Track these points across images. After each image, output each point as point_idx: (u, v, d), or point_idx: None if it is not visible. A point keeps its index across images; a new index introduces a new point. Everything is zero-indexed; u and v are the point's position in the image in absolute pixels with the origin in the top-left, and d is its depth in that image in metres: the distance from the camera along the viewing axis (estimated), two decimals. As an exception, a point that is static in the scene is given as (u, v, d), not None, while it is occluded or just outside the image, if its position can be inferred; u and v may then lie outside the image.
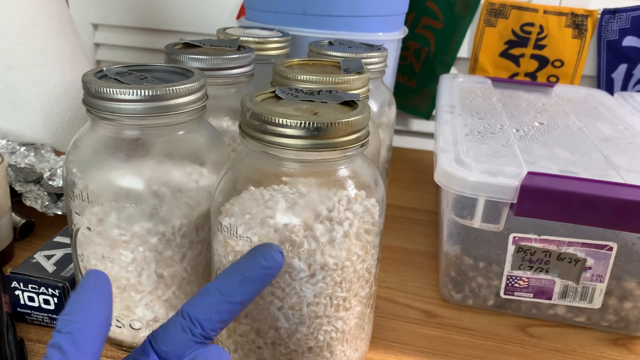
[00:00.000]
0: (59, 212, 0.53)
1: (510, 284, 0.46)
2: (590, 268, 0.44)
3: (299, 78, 0.41)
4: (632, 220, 0.39)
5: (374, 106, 0.54)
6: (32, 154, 0.55)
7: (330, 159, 0.32)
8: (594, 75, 0.80)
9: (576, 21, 0.77)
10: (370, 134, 0.34)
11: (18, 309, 0.42)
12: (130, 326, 0.39)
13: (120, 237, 0.36)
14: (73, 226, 0.38)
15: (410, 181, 0.75)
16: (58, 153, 0.58)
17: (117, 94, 0.33)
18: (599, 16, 0.76)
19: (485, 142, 0.49)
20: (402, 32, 0.69)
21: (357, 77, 0.42)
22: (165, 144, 0.36)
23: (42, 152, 0.56)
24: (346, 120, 0.31)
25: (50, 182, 0.52)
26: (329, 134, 0.30)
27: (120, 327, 0.39)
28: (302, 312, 0.33)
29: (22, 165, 0.53)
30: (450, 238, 0.47)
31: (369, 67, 0.48)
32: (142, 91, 0.33)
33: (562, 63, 0.79)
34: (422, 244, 0.59)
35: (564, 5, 0.78)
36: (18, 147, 0.56)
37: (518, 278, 0.45)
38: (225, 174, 0.35)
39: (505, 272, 0.45)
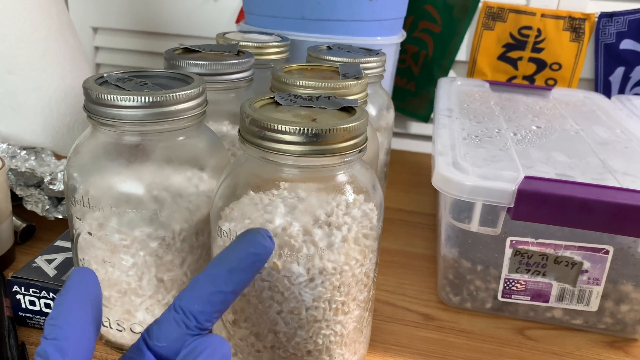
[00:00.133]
0: (60, 216, 0.53)
1: (507, 287, 0.46)
2: (586, 271, 0.44)
3: (298, 83, 0.41)
4: (628, 224, 0.39)
5: (372, 110, 0.54)
6: (33, 158, 0.56)
7: (328, 165, 0.32)
8: (591, 78, 0.80)
9: (574, 24, 0.78)
10: (369, 139, 0.35)
11: (19, 313, 0.42)
12: (131, 330, 0.39)
13: (120, 242, 0.36)
14: (74, 231, 0.38)
15: (409, 184, 0.75)
16: (58, 157, 0.58)
17: (117, 100, 0.33)
18: (596, 19, 0.77)
19: (483, 146, 0.49)
20: (400, 36, 0.69)
21: (356, 82, 0.43)
22: (166, 149, 0.37)
23: (43, 156, 0.57)
24: (344, 126, 0.31)
25: (51, 186, 0.53)
26: (328, 140, 0.31)
27: (121, 331, 0.39)
28: (301, 316, 0.33)
29: (23, 170, 0.53)
30: (448, 241, 0.48)
31: (367, 71, 0.49)
32: (143, 98, 0.33)
33: (560, 66, 0.80)
34: (421, 247, 0.59)
35: (561, 8, 0.78)
36: (19, 151, 0.56)
37: (515, 281, 0.46)
38: (225, 179, 0.35)
39: (503, 275, 0.46)
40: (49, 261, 0.44)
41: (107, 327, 0.39)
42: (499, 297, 0.47)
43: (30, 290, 0.41)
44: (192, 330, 0.26)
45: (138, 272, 0.37)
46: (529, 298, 0.46)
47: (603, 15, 0.76)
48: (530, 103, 0.65)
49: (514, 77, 0.82)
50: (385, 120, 0.57)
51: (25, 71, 0.56)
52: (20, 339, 0.41)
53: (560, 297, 0.46)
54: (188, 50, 0.48)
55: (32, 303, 0.42)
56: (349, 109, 0.34)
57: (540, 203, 0.40)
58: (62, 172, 0.54)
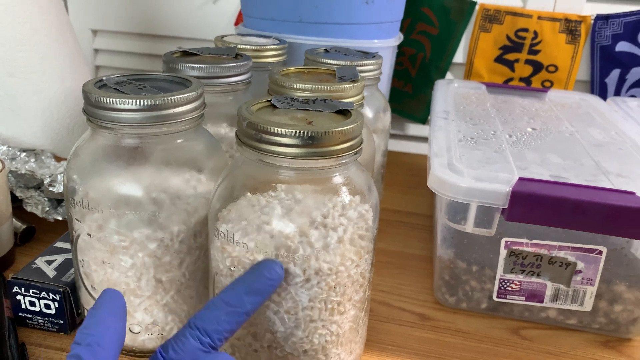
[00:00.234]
0: (59, 218, 0.54)
1: (502, 288, 0.47)
2: (580, 272, 0.45)
3: (295, 87, 0.42)
4: (621, 225, 0.40)
5: (368, 112, 0.55)
6: (33, 160, 0.56)
7: (324, 167, 0.32)
8: (587, 80, 0.81)
9: (570, 27, 0.78)
10: (365, 140, 0.35)
11: (19, 314, 0.43)
12: (130, 330, 0.39)
13: (119, 243, 0.37)
14: (74, 232, 0.38)
15: (405, 185, 0.76)
16: (58, 159, 0.59)
17: (116, 103, 0.34)
18: (592, 22, 0.77)
19: (479, 147, 0.50)
20: (397, 38, 0.69)
21: (352, 85, 0.43)
22: (164, 151, 0.37)
23: (43, 158, 0.57)
24: (340, 129, 0.31)
25: (51, 188, 0.53)
26: (323, 143, 0.31)
27: (120, 331, 0.40)
28: (297, 316, 0.34)
29: (23, 172, 0.54)
30: (444, 242, 0.48)
31: (363, 74, 0.49)
32: (141, 101, 0.34)
33: (556, 68, 0.80)
34: (418, 248, 0.60)
35: (557, 11, 0.79)
36: (19, 153, 0.56)
37: (510, 281, 0.46)
38: (222, 181, 0.36)
39: (498, 276, 0.46)
40: (49, 262, 0.44)
41: (106, 327, 0.40)
42: (494, 298, 0.47)
43: (30, 291, 0.42)
44: (204, 347, 0.30)
45: (137, 273, 0.37)
46: (523, 298, 0.47)
47: (599, 18, 0.77)
48: (526, 105, 0.66)
49: (511, 79, 0.83)
50: (381, 122, 0.57)
51: (25, 74, 0.57)
52: (20, 340, 0.42)
53: (555, 297, 0.46)
54: (187, 54, 0.48)
55: (32, 304, 0.42)
56: (344, 112, 0.35)
57: (534, 204, 0.41)
58: (62, 174, 0.54)
